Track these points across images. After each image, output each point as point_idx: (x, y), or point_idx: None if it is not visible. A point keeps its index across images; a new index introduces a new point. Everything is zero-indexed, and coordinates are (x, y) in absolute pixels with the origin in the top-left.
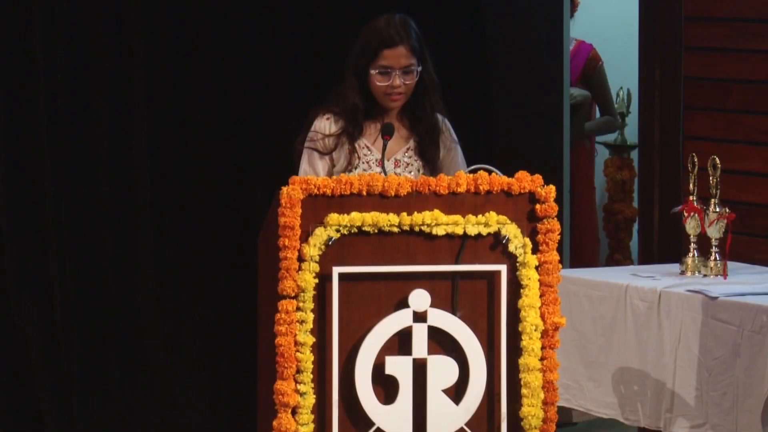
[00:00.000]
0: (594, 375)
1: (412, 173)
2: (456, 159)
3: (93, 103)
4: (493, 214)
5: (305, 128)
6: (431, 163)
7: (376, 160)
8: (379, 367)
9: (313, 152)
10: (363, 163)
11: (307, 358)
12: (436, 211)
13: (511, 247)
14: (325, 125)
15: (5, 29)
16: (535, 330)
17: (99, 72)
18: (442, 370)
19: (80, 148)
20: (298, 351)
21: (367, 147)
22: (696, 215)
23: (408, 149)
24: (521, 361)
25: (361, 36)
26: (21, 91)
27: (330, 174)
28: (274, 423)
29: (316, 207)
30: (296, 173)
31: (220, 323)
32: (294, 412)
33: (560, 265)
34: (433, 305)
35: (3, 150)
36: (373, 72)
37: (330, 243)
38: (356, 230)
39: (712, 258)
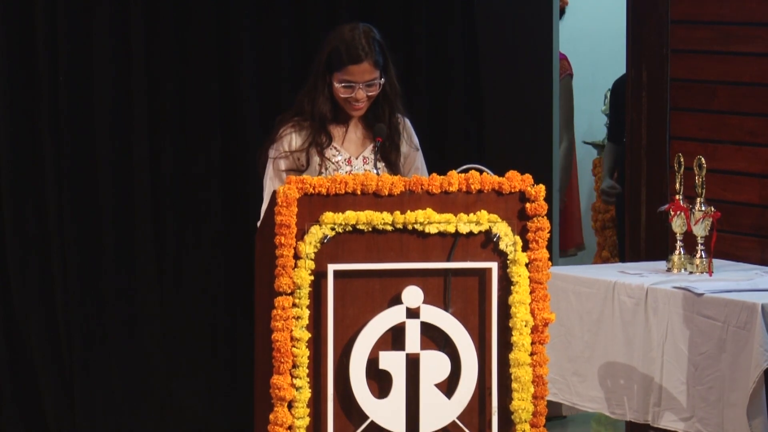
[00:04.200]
0: (579, 370)
1: (379, 169)
2: (416, 164)
3: (93, 104)
4: (484, 212)
5: (271, 136)
6: (393, 165)
7: (345, 159)
8: (373, 362)
9: (280, 163)
10: (332, 164)
11: (303, 353)
12: (429, 210)
13: (502, 245)
14: (289, 140)
15: (7, 33)
16: (525, 326)
17: (99, 75)
18: (434, 365)
19: (81, 146)
20: (294, 346)
21: (335, 147)
22: (682, 214)
23: (374, 147)
24: (511, 356)
25: (327, 44)
26: (24, 91)
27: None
28: (271, 416)
29: (312, 206)
30: (261, 179)
31: (219, 319)
32: (290, 406)
33: (550, 263)
34: (425, 302)
35: (7, 148)
36: (336, 84)
37: (325, 241)
38: (351, 228)
39: (698, 255)
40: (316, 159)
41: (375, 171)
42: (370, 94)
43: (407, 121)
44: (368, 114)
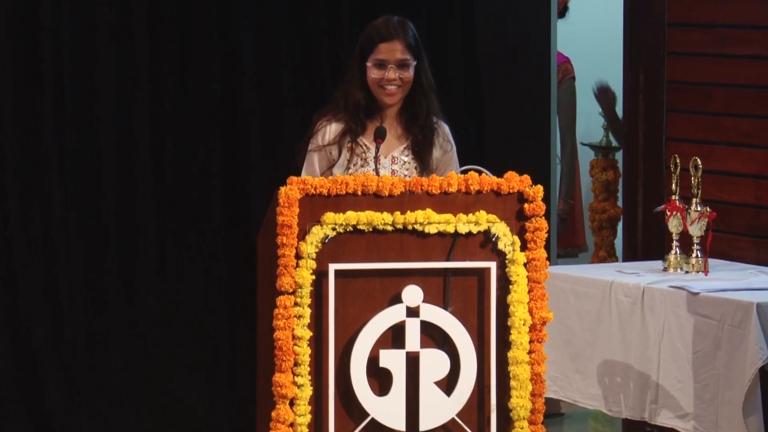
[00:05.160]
0: (580, 368)
1: (409, 170)
2: (450, 163)
3: (97, 106)
4: (483, 213)
5: (308, 132)
6: (425, 163)
7: (375, 157)
8: (373, 360)
9: (313, 156)
10: (361, 159)
11: (305, 351)
12: (429, 210)
13: (501, 245)
14: (323, 133)
15: (13, 36)
16: (524, 324)
17: (103, 76)
18: (434, 363)
19: (86, 147)
20: (295, 345)
21: (366, 145)
22: (678, 214)
23: (405, 147)
24: (510, 354)
25: (360, 36)
26: (29, 92)
27: (330, 167)
28: (273, 414)
29: (313, 206)
30: (299, 173)
31: (221, 318)
32: (292, 404)
33: (548, 262)
34: (425, 301)
35: (12, 149)
36: (369, 65)
37: (326, 241)
38: (351, 229)
39: (694, 255)
40: (345, 154)
41: (387, 169)
42: (402, 76)
43: (445, 126)
44: (405, 110)
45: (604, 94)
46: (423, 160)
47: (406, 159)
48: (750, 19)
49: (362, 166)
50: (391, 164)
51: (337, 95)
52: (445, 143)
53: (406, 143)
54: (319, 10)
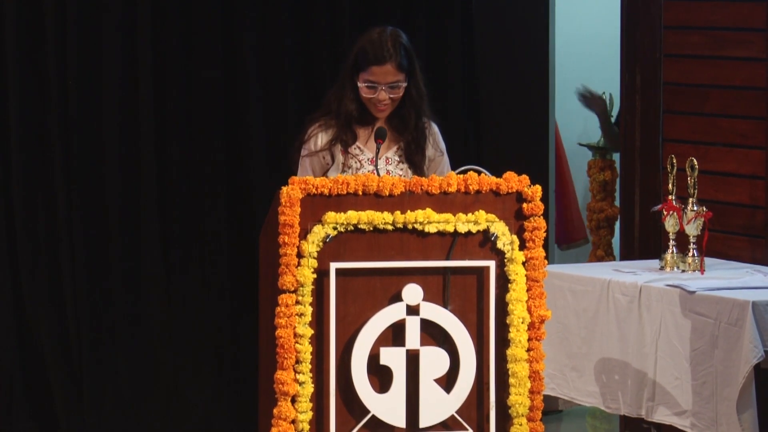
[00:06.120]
0: (577, 365)
1: (402, 170)
2: (440, 169)
3: (101, 108)
4: (482, 212)
5: (300, 137)
6: (417, 168)
7: (368, 159)
8: (374, 358)
9: (306, 161)
10: (356, 162)
11: (306, 349)
12: (428, 210)
13: (500, 244)
14: (316, 140)
15: (18, 38)
16: (522, 322)
17: (107, 79)
18: (433, 361)
19: (90, 150)
20: (297, 342)
21: (359, 147)
22: (675, 214)
23: (398, 148)
24: (509, 352)
25: (355, 46)
26: (34, 94)
27: (325, 172)
28: (275, 411)
29: (315, 206)
30: (294, 175)
31: (224, 316)
32: (293, 401)
33: (546, 261)
34: (425, 299)
35: (17, 151)
36: (360, 84)
37: (327, 240)
38: (352, 228)
39: (690, 254)
40: (339, 157)
41: (381, 169)
42: (392, 96)
43: (434, 126)
44: (395, 117)
45: (590, 101)
46: (416, 165)
47: (399, 159)
48: (745, 21)
49: (357, 169)
50: (385, 165)
51: (330, 99)
52: (435, 150)
53: (397, 144)
54: (320, 10)
